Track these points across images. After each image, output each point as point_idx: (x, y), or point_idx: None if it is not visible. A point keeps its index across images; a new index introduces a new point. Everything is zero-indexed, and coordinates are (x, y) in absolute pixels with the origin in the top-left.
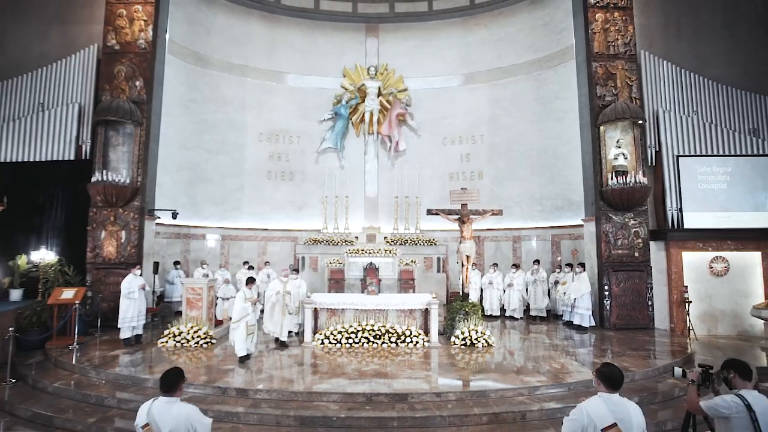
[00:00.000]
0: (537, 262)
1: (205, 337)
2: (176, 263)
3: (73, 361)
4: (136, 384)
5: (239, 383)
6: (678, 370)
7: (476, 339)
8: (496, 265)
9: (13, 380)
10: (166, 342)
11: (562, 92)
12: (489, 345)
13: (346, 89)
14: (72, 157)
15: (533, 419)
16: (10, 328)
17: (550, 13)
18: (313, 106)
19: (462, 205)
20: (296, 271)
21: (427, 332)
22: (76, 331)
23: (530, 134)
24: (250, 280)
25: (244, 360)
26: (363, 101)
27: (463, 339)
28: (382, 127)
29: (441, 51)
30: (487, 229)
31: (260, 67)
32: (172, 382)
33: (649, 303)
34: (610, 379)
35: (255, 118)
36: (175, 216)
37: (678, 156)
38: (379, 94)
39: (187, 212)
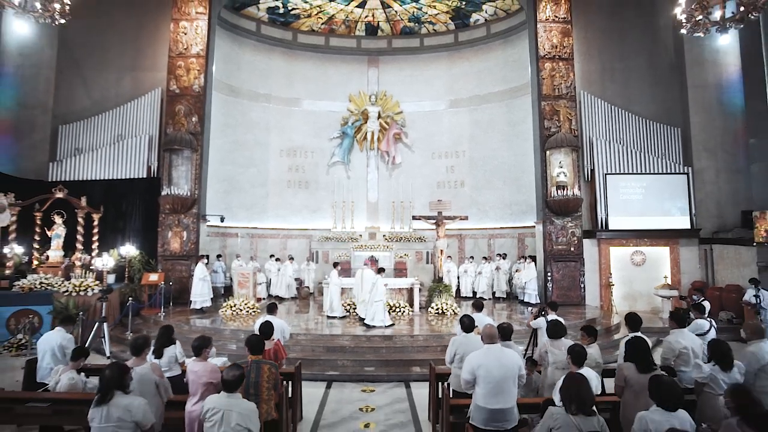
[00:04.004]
0: (503, 255)
1: (253, 308)
2: (218, 256)
3: (168, 321)
4: (218, 332)
5: None
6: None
7: (446, 309)
8: (472, 257)
9: (130, 333)
10: (225, 311)
11: (527, 118)
12: (455, 313)
13: (352, 112)
14: (144, 176)
15: None
16: (130, 298)
17: (518, 52)
18: (324, 127)
19: (438, 212)
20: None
21: (411, 305)
22: (162, 303)
23: (502, 151)
24: (381, 270)
25: (389, 327)
26: (366, 122)
27: (437, 309)
28: (381, 144)
29: (431, 80)
30: (468, 229)
31: (281, 95)
32: (273, 308)
33: (582, 286)
34: (477, 306)
35: (277, 137)
36: (222, 219)
37: (606, 174)
38: (379, 116)
39: (225, 215)
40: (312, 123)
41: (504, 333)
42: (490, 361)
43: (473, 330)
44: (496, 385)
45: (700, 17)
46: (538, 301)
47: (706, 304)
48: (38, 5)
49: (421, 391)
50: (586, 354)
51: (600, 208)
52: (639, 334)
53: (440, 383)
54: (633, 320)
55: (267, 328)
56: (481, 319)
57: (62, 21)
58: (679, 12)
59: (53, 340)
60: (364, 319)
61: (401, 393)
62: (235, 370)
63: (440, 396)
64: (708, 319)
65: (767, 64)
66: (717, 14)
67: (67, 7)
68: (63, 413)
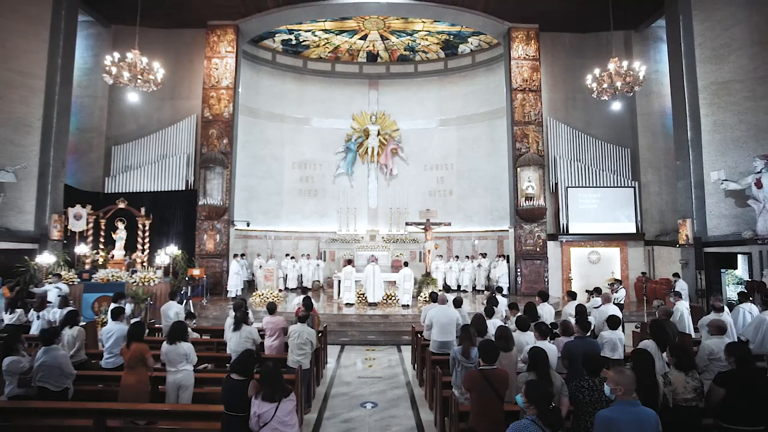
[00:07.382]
0: (484, 255)
1: (277, 297)
2: (242, 255)
3: (211, 307)
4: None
5: None
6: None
7: (432, 298)
8: (457, 256)
9: None
10: (255, 299)
11: (506, 137)
12: None
13: (355, 130)
14: (183, 188)
15: None
16: (182, 287)
17: (499, 79)
18: (331, 142)
19: (426, 219)
20: (349, 262)
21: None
22: (204, 292)
23: (485, 164)
24: (406, 264)
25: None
26: (367, 139)
27: (425, 298)
28: (380, 157)
29: (423, 101)
30: (456, 232)
31: (293, 114)
32: (306, 289)
33: (546, 280)
34: (446, 289)
35: (290, 152)
36: (248, 225)
37: (567, 187)
38: (378, 133)
39: (246, 220)
40: (320, 139)
41: (456, 302)
42: (441, 314)
43: (438, 301)
44: (443, 327)
45: (605, 86)
46: (507, 292)
47: (622, 291)
48: (140, 80)
49: (408, 354)
50: (494, 311)
51: (562, 215)
52: (544, 303)
53: (418, 335)
54: (541, 293)
55: (310, 299)
56: (441, 294)
57: (155, 88)
58: (588, 82)
59: (171, 309)
60: (372, 302)
61: (394, 352)
62: (305, 312)
63: (416, 346)
64: (602, 297)
65: (688, 103)
66: (618, 83)
67: (159, 78)
68: None
